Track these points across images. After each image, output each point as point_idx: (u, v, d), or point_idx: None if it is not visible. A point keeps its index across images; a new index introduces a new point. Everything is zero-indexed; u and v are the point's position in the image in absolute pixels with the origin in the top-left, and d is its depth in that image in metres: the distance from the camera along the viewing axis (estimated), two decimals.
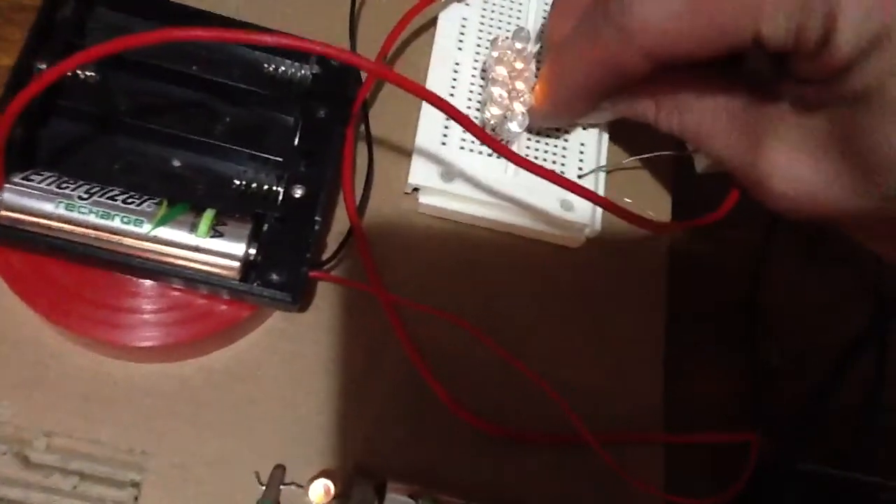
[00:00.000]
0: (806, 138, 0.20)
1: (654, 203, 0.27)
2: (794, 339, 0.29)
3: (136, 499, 0.22)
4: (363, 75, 0.25)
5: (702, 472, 0.26)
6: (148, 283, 0.22)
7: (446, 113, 0.20)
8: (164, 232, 0.20)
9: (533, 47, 0.26)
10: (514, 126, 0.24)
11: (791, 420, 0.27)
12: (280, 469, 0.22)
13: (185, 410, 0.23)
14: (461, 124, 0.21)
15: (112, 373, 0.23)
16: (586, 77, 0.22)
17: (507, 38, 0.25)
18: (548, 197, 0.25)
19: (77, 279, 0.21)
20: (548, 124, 0.26)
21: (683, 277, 0.27)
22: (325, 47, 0.18)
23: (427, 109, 0.26)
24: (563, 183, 0.23)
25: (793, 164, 0.20)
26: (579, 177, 0.26)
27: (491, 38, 0.27)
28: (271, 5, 0.27)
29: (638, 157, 0.27)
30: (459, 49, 0.27)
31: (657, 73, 0.21)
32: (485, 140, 0.22)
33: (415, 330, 0.24)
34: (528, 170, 0.22)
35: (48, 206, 0.20)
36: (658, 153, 0.26)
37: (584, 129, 0.27)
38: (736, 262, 0.30)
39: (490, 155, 0.26)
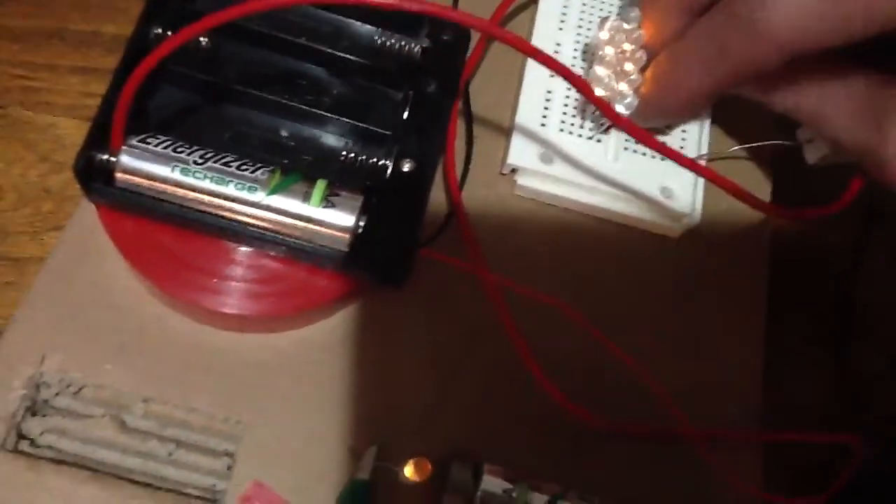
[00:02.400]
0: None
1: (755, 192, 0.26)
2: (893, 340, 0.28)
3: (229, 468, 0.21)
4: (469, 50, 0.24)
5: (796, 473, 0.25)
6: (252, 252, 0.21)
7: (565, 77, 0.20)
8: (277, 200, 0.19)
9: (638, 25, 0.24)
10: (621, 108, 0.23)
11: (891, 423, 0.26)
12: (374, 446, 0.22)
13: (282, 383, 0.22)
14: (579, 89, 0.20)
15: (211, 342, 0.22)
16: (712, 81, 0.21)
17: (616, 17, 0.24)
18: (648, 183, 0.24)
19: (184, 246, 0.21)
20: (655, 125, 0.25)
21: (779, 274, 0.26)
22: (444, 9, 0.18)
23: (527, 90, 0.25)
24: (678, 158, 0.22)
25: None
26: None
27: (593, 18, 0.26)
28: None
29: (742, 146, 0.26)
30: (560, 29, 0.26)
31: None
32: (603, 108, 0.21)
33: (513, 313, 0.23)
34: (643, 142, 0.21)
35: (164, 170, 0.19)
36: (764, 143, 0.25)
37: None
38: (832, 259, 0.29)
39: (590, 138, 0.25)
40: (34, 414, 0.21)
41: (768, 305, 0.25)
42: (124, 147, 0.19)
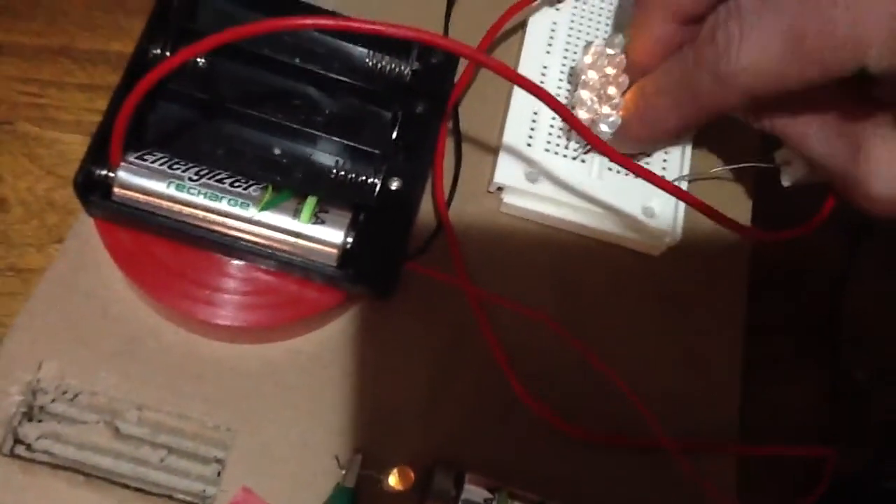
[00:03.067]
0: None
1: (734, 215, 0.26)
2: (879, 353, 0.28)
3: (219, 474, 0.22)
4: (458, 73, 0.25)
5: (778, 484, 0.25)
6: (244, 265, 0.22)
7: (547, 103, 0.20)
8: (268, 216, 0.20)
9: (621, 52, 0.25)
10: (604, 128, 0.24)
11: (876, 436, 0.27)
12: (359, 455, 0.22)
13: (271, 392, 0.23)
14: (561, 115, 0.21)
15: (203, 351, 0.23)
16: (679, 121, 0.22)
17: (601, 43, 0.25)
18: (630, 203, 0.25)
19: (178, 258, 0.21)
20: (632, 151, 0.25)
21: (765, 287, 0.26)
22: (435, 37, 0.18)
23: (514, 111, 0.26)
24: (657, 181, 0.22)
25: (894, 165, 0.20)
26: None
27: (579, 43, 0.27)
28: (366, 4, 0.27)
29: (721, 167, 0.26)
30: (548, 53, 0.26)
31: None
32: (583, 133, 0.21)
33: (497, 326, 0.23)
34: (623, 166, 0.22)
35: (160, 186, 0.20)
36: (743, 164, 0.26)
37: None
38: (819, 272, 0.29)
39: (574, 158, 0.25)
40: (30, 419, 0.21)
41: (753, 319, 0.26)
42: (122, 163, 0.20)
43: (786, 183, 0.25)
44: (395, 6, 0.27)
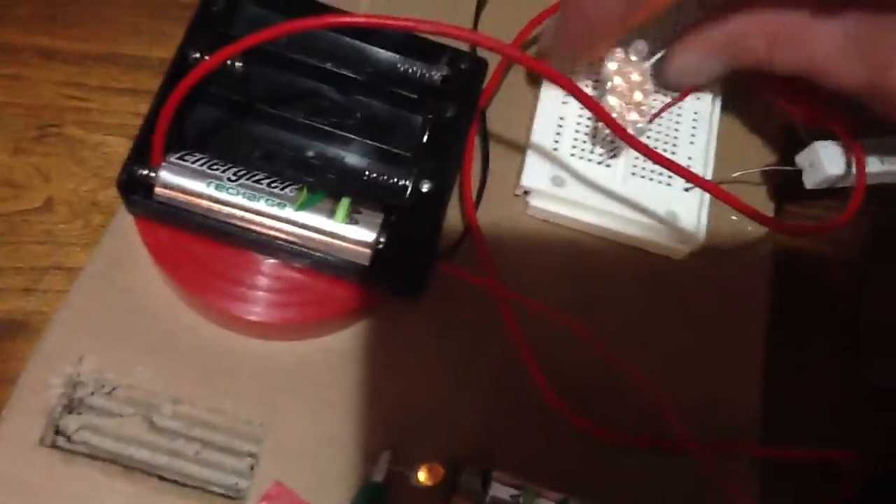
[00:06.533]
0: None
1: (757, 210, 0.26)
2: None
3: (252, 468, 0.21)
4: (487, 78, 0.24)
5: (799, 487, 0.24)
6: (278, 263, 0.21)
7: (582, 102, 0.20)
8: (304, 216, 0.19)
9: (649, 60, 0.24)
10: (631, 132, 0.23)
11: None
12: (389, 451, 0.21)
13: (302, 388, 0.22)
14: (599, 115, 0.20)
15: (237, 347, 0.22)
16: (623, 8, 0.20)
17: (622, 50, 0.24)
18: (655, 207, 0.24)
19: (214, 256, 0.21)
20: (565, 66, 0.23)
21: (787, 289, 0.25)
22: (477, 35, 0.18)
23: (541, 115, 0.25)
24: (685, 173, 0.21)
25: None
26: (685, 190, 0.25)
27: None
28: (397, 9, 0.26)
29: (744, 171, 0.25)
30: None
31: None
32: (618, 132, 0.20)
33: (522, 327, 0.22)
34: (654, 160, 0.21)
35: (200, 185, 0.19)
36: (765, 167, 0.25)
37: (693, 123, 0.25)
38: (842, 274, 0.28)
39: (600, 163, 0.25)
40: (70, 411, 0.21)
41: (781, 320, 0.25)
42: (164, 163, 0.19)
43: (809, 185, 0.24)
44: (422, 13, 0.26)
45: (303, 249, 0.20)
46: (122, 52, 0.25)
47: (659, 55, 0.24)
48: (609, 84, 0.24)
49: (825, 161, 0.23)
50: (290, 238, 0.20)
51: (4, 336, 0.22)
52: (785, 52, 0.21)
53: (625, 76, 0.24)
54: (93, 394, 0.21)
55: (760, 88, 0.24)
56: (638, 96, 0.23)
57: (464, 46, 0.23)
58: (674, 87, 0.24)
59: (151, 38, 0.26)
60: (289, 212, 0.19)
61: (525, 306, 0.23)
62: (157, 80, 0.25)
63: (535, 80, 0.26)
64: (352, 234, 0.20)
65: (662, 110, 0.25)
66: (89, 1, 0.26)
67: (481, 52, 0.25)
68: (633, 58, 0.24)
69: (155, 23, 0.26)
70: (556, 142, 0.25)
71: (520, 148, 0.25)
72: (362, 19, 0.18)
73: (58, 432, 0.21)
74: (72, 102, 0.24)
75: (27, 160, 0.24)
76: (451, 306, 0.23)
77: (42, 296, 0.22)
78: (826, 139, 0.24)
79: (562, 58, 0.23)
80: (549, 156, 0.24)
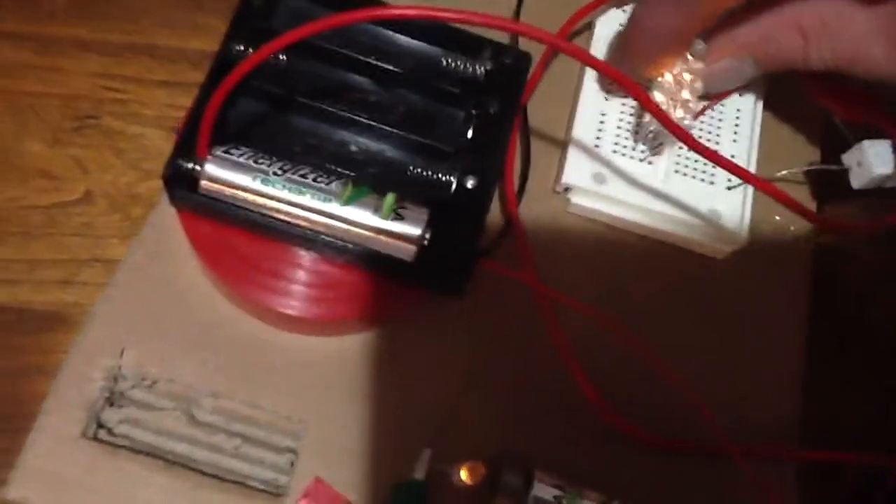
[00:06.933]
0: None
1: (798, 219, 0.25)
2: None
3: (292, 464, 0.21)
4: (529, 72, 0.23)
5: (837, 493, 0.24)
6: (320, 258, 0.21)
7: (637, 99, 0.20)
8: (350, 211, 0.19)
9: (701, 59, 0.23)
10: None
11: None
12: (429, 449, 0.21)
13: (341, 383, 0.22)
14: (649, 110, 0.20)
15: (277, 341, 0.22)
16: (681, 18, 0.20)
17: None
18: (697, 206, 0.24)
19: (256, 250, 0.21)
20: (630, 70, 0.23)
21: (825, 291, 0.25)
22: (532, 29, 0.18)
23: (582, 111, 0.24)
24: (731, 167, 0.21)
25: None
26: (729, 188, 0.24)
27: None
28: (437, 1, 0.26)
29: (789, 170, 0.25)
30: None
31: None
32: (677, 132, 0.20)
33: (562, 325, 0.22)
34: (698, 151, 0.21)
35: (246, 179, 0.19)
36: (811, 167, 0.24)
37: (736, 113, 0.24)
38: (881, 277, 0.27)
39: (642, 160, 0.24)
40: (112, 404, 0.21)
41: (814, 324, 0.24)
42: (209, 157, 0.19)
43: (855, 185, 0.23)
44: (460, 5, 0.26)
45: (347, 245, 0.19)
46: (158, 43, 0.25)
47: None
48: (658, 79, 0.23)
49: (873, 160, 0.23)
50: (335, 233, 0.19)
51: (44, 328, 0.22)
52: (820, 44, 0.21)
53: (675, 73, 0.23)
54: (133, 387, 0.21)
55: (805, 86, 0.24)
56: (685, 94, 0.23)
57: (502, 37, 0.23)
58: (713, 92, 0.24)
59: (188, 31, 0.25)
60: (334, 206, 0.19)
61: (564, 304, 0.22)
62: (194, 72, 0.25)
63: (576, 74, 0.25)
64: (397, 229, 0.19)
65: (706, 108, 0.24)
66: None
67: (523, 45, 0.25)
68: (690, 57, 0.23)
69: (190, 15, 0.26)
70: (598, 138, 0.24)
71: (559, 143, 0.25)
72: (413, 12, 0.17)
73: (100, 425, 0.20)
74: (109, 94, 0.24)
75: (65, 151, 0.23)
76: (490, 302, 0.23)
77: (81, 288, 0.22)
78: (873, 138, 0.23)
79: (627, 72, 0.22)
80: (590, 152, 0.24)
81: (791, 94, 0.26)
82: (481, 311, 0.23)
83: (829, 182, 0.25)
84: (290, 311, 0.21)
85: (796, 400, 0.24)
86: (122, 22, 0.25)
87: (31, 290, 0.22)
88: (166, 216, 0.22)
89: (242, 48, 0.21)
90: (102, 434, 0.20)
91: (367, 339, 0.22)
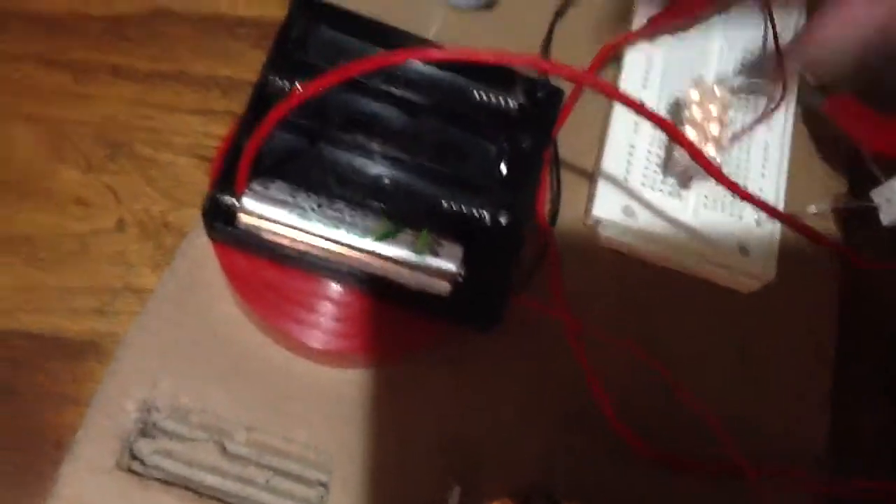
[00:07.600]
0: None
1: (826, 255, 0.25)
2: None
3: (322, 498, 0.21)
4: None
5: None
6: (353, 293, 0.21)
7: (670, 135, 0.20)
8: (384, 247, 0.19)
9: (731, 94, 0.24)
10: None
11: None
12: (459, 487, 0.21)
13: (372, 417, 0.22)
14: (683, 145, 0.20)
15: (309, 373, 0.22)
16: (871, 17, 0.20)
17: (710, 80, 0.23)
18: (726, 241, 0.24)
19: (289, 283, 0.21)
20: (820, 67, 0.23)
21: (852, 323, 0.25)
22: (564, 68, 0.18)
23: (611, 144, 0.24)
24: (761, 205, 0.21)
25: None
26: (757, 224, 0.24)
27: (674, 78, 0.25)
28: (465, 31, 0.26)
29: (816, 205, 0.25)
30: (644, 87, 0.25)
31: None
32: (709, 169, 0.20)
33: (590, 357, 0.22)
34: (734, 192, 0.21)
35: (283, 214, 0.19)
36: (840, 204, 0.24)
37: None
38: None
39: (671, 193, 0.24)
40: (144, 435, 0.21)
41: (840, 355, 0.24)
42: (247, 191, 0.19)
43: (885, 221, 0.23)
44: (492, 32, 0.26)
45: (382, 280, 0.19)
46: (189, 71, 0.25)
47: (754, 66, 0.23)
48: (686, 113, 0.23)
49: None
50: (370, 268, 0.19)
51: (77, 357, 0.22)
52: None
53: (704, 107, 0.23)
54: (167, 418, 0.21)
55: (835, 118, 0.24)
56: (714, 129, 0.23)
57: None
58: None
59: (218, 58, 0.25)
60: (369, 242, 0.19)
61: (593, 337, 0.22)
62: (225, 99, 0.25)
63: (605, 104, 0.25)
64: (432, 265, 0.19)
65: (734, 140, 0.24)
66: (157, 20, 0.25)
67: (555, 80, 0.24)
68: (718, 92, 0.23)
69: (220, 43, 0.26)
70: (627, 171, 0.24)
71: (587, 175, 0.25)
72: (455, 55, 0.17)
73: (133, 456, 0.20)
74: (141, 121, 0.24)
75: (99, 178, 0.23)
76: (520, 335, 0.23)
77: (114, 317, 0.22)
78: None
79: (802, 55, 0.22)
80: (619, 185, 0.24)
81: (819, 129, 0.26)
82: (510, 345, 0.22)
83: (857, 218, 0.25)
84: (323, 346, 0.20)
85: (823, 433, 0.23)
86: (153, 49, 0.25)
87: (65, 318, 0.22)
88: (197, 246, 0.22)
89: (281, 81, 0.21)
90: (135, 465, 0.20)
91: (396, 372, 0.22)
